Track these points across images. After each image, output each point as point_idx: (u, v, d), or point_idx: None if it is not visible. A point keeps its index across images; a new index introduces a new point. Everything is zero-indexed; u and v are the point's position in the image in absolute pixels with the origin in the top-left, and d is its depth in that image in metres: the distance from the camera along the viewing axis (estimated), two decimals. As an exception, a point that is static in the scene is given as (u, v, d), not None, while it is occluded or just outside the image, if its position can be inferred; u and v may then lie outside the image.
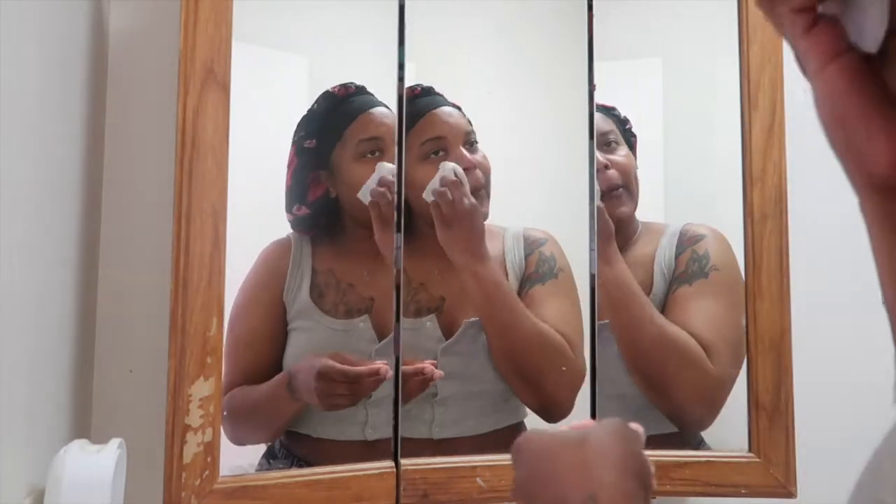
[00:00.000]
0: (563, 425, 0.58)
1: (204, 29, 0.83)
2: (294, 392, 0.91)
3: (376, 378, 0.92)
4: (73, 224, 0.85)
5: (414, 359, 0.96)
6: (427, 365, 0.96)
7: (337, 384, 0.92)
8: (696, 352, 1.00)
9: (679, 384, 1.02)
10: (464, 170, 0.98)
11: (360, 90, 0.97)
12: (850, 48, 0.37)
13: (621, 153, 1.06)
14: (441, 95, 1.01)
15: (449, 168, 0.97)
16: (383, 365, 0.93)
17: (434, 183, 0.97)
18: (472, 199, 0.97)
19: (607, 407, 1.01)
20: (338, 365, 0.91)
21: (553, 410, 1.01)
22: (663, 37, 1.11)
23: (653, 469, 0.56)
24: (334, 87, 0.96)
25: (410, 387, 0.95)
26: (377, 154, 0.96)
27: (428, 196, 0.97)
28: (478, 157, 1.00)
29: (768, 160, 1.01)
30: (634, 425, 0.61)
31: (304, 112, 0.95)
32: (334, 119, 0.96)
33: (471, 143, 1.01)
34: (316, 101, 0.96)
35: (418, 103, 0.99)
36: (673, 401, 1.03)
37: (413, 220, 0.97)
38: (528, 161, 1.06)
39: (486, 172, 1.01)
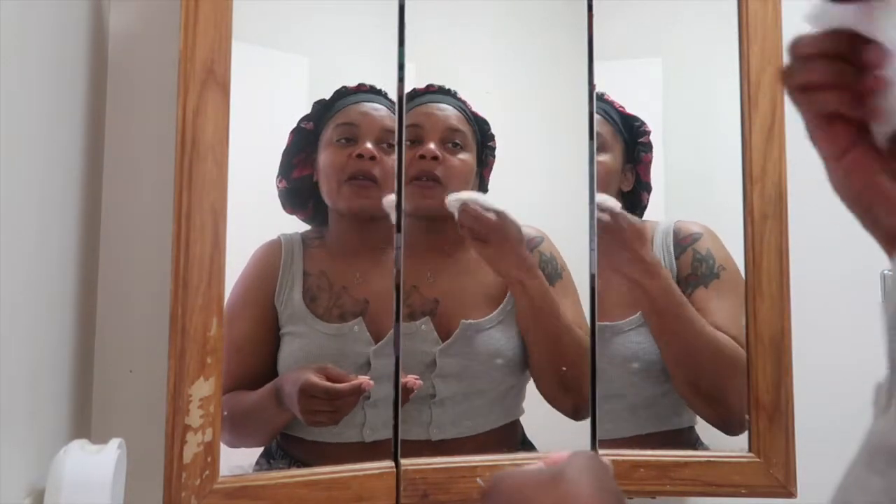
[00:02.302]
0: (537, 461, 0.56)
1: (204, 29, 0.83)
2: (282, 403, 0.91)
3: (359, 394, 0.91)
4: (73, 224, 0.85)
5: (410, 362, 0.96)
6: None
7: (319, 401, 0.91)
8: (742, 356, 0.99)
9: (732, 391, 1.00)
10: (419, 157, 0.97)
11: (373, 90, 0.98)
12: (861, 140, 0.45)
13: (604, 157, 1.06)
14: (449, 94, 1.01)
15: (453, 199, 0.97)
16: (366, 380, 0.92)
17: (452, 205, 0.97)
18: (498, 209, 0.97)
19: (607, 407, 1.01)
20: (320, 382, 0.90)
21: (584, 411, 1.01)
22: (663, 37, 1.11)
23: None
24: (352, 84, 0.97)
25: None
26: (350, 141, 0.96)
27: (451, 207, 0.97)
28: (455, 158, 1.00)
29: (768, 160, 1.01)
30: (605, 459, 0.60)
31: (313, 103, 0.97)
32: (333, 107, 0.97)
33: (452, 143, 1.00)
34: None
35: (420, 99, 1.00)
36: (727, 408, 1.01)
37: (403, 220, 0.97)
38: (527, 161, 1.06)
39: (459, 175, 0.99)
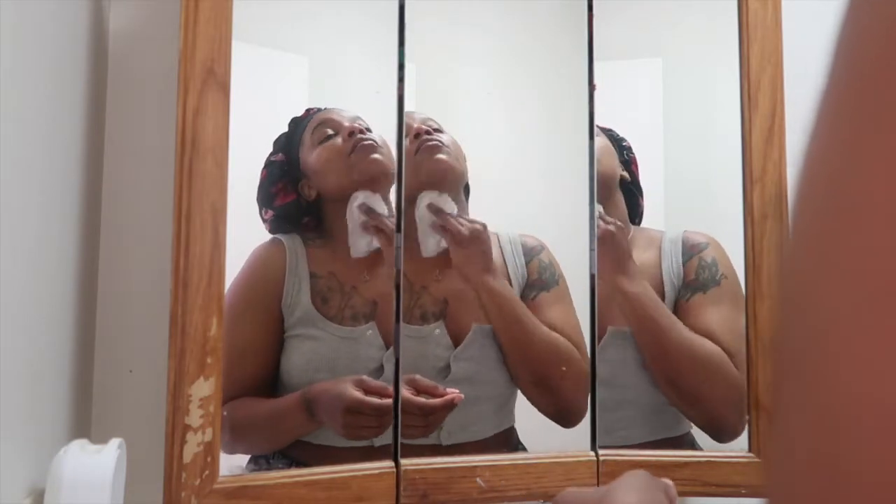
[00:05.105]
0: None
1: (204, 29, 0.83)
2: (314, 415, 0.90)
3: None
4: (73, 224, 0.85)
5: (423, 367, 0.95)
6: (455, 394, 0.95)
7: (365, 417, 0.90)
8: (723, 360, 1.00)
9: (712, 395, 1.02)
10: (414, 136, 0.97)
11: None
12: None
13: None
14: None
15: (423, 205, 0.97)
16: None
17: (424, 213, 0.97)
18: (474, 224, 0.98)
19: (619, 414, 1.01)
20: (368, 399, 0.90)
21: (569, 416, 1.01)
22: (663, 37, 1.11)
23: None
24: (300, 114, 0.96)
25: (440, 417, 0.94)
26: (334, 134, 0.95)
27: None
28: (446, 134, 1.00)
29: (768, 160, 1.01)
30: (665, 480, 0.64)
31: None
32: (298, 131, 0.95)
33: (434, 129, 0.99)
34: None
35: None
36: (708, 412, 1.03)
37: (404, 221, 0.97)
38: (527, 162, 1.06)
39: (456, 146, 0.99)
